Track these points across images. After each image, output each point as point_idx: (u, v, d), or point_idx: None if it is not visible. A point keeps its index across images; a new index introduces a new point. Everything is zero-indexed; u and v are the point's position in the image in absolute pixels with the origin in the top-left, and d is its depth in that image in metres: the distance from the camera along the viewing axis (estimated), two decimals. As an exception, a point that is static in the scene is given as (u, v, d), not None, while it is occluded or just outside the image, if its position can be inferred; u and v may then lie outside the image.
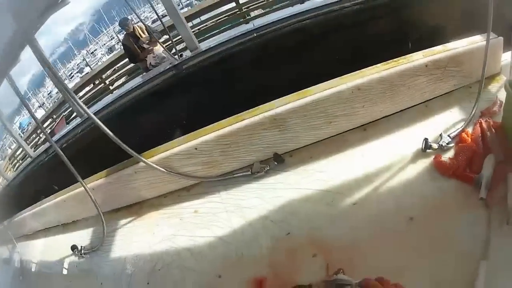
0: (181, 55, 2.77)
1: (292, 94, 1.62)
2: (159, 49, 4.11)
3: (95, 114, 2.82)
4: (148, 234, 1.72)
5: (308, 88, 1.62)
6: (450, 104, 1.74)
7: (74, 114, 3.55)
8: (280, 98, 1.62)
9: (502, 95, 1.68)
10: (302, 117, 1.62)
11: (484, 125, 1.56)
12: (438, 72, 1.68)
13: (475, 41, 1.72)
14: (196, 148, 1.63)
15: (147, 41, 4.06)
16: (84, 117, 2.75)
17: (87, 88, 4.79)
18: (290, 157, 1.74)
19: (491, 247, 1.20)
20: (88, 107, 2.99)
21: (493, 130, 1.53)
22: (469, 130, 1.60)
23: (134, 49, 4.12)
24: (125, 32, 4.19)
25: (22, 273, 2.06)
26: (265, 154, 1.73)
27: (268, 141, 1.68)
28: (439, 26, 2.35)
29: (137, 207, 1.88)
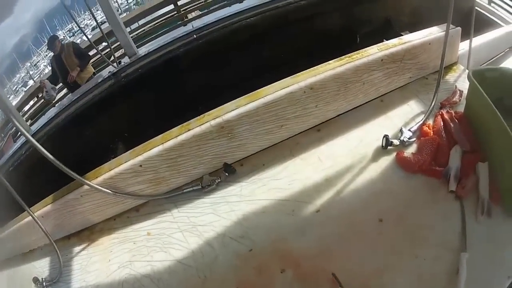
0: (119, 62, 2.59)
1: (240, 98, 1.50)
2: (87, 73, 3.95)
3: (37, 132, 2.69)
4: (104, 262, 1.55)
5: (257, 91, 1.50)
6: (407, 98, 1.68)
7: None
8: (228, 103, 1.49)
9: (461, 85, 1.65)
10: (252, 122, 1.50)
11: (446, 116, 1.52)
12: (394, 65, 1.62)
13: (432, 32, 1.67)
14: (141, 165, 1.48)
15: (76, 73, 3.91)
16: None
17: (31, 102, 4.51)
18: (241, 166, 1.62)
19: (468, 239, 1.16)
20: (33, 123, 2.82)
21: (456, 120, 1.49)
22: (430, 122, 1.54)
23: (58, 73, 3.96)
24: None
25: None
26: (215, 166, 1.60)
27: (216, 151, 1.55)
28: (390, 20, 2.30)
29: (87, 233, 1.70)
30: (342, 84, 1.54)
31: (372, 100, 1.69)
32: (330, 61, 1.55)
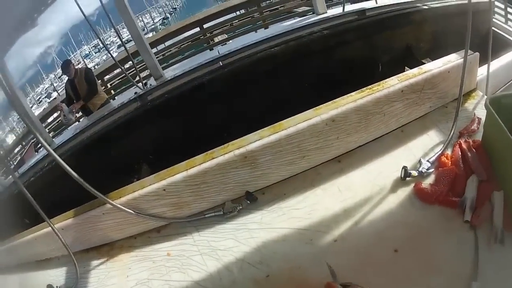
0: (145, 84, 2.66)
1: (263, 129, 1.55)
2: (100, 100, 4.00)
3: (61, 146, 2.77)
4: (121, 277, 1.60)
5: (280, 122, 1.55)
6: (427, 127, 1.70)
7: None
8: (251, 134, 1.54)
9: (480, 112, 1.64)
10: (274, 153, 1.54)
11: (464, 145, 1.52)
12: (414, 96, 1.64)
13: (451, 60, 1.68)
14: (164, 190, 1.54)
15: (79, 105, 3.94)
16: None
17: (55, 114, 4.59)
18: (263, 194, 1.65)
19: (480, 268, 1.16)
20: (56, 135, 2.93)
21: (473, 149, 1.49)
22: (449, 152, 1.55)
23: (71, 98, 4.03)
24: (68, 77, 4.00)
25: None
26: (237, 193, 1.65)
27: (239, 180, 1.60)
28: (411, 47, 2.31)
29: (107, 248, 1.76)
30: (364, 116, 1.57)
31: (393, 130, 1.71)
32: (351, 93, 1.58)
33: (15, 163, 3.61)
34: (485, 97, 1.73)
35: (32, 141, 4.04)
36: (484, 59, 1.76)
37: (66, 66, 3.97)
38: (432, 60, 1.75)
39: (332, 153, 1.65)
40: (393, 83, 1.59)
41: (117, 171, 1.80)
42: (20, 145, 4.21)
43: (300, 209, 1.53)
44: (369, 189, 1.51)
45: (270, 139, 1.50)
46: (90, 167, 1.76)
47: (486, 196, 1.33)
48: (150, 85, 2.57)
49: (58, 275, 1.79)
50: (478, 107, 1.70)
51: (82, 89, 3.95)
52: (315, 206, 1.52)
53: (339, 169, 1.64)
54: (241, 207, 1.61)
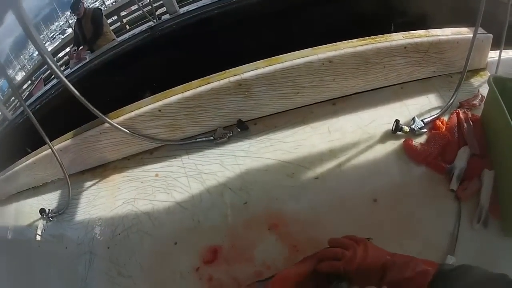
0: (159, 18, 2.80)
1: (260, 60, 1.63)
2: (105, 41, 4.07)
3: (69, 75, 2.95)
4: (110, 197, 1.74)
5: (278, 56, 1.62)
6: (427, 90, 1.73)
7: (53, 75, 3.59)
8: (248, 64, 1.63)
9: (484, 91, 1.68)
10: (269, 84, 1.62)
11: (461, 115, 1.55)
12: (418, 56, 1.68)
13: (461, 32, 1.71)
14: (159, 110, 1.64)
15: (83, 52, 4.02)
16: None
17: (68, 49, 4.78)
18: (255, 125, 1.75)
19: (458, 243, 1.18)
20: (66, 68, 3.13)
21: (470, 122, 1.52)
22: (445, 118, 1.59)
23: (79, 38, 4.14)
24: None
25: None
26: (229, 120, 1.75)
27: (232, 107, 1.69)
28: (426, 13, 2.35)
29: (101, 170, 1.89)
30: (362, 63, 1.62)
31: (392, 85, 1.75)
32: (353, 40, 1.63)
33: (24, 98, 3.81)
34: (490, 74, 1.76)
35: (42, 76, 4.23)
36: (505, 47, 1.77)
37: (75, 4, 4.11)
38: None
39: (327, 94, 1.72)
40: (397, 38, 1.63)
41: (120, 97, 1.92)
42: (30, 81, 4.44)
43: (288, 143, 1.62)
44: (358, 135, 1.58)
45: (265, 70, 1.58)
46: (94, 92, 1.88)
47: (476, 171, 1.34)
48: (164, 19, 2.70)
49: (52, 198, 1.92)
50: (483, 85, 1.72)
51: (88, 29, 4.10)
52: (302, 142, 1.61)
53: (333, 111, 1.71)
54: (231, 134, 1.71)
